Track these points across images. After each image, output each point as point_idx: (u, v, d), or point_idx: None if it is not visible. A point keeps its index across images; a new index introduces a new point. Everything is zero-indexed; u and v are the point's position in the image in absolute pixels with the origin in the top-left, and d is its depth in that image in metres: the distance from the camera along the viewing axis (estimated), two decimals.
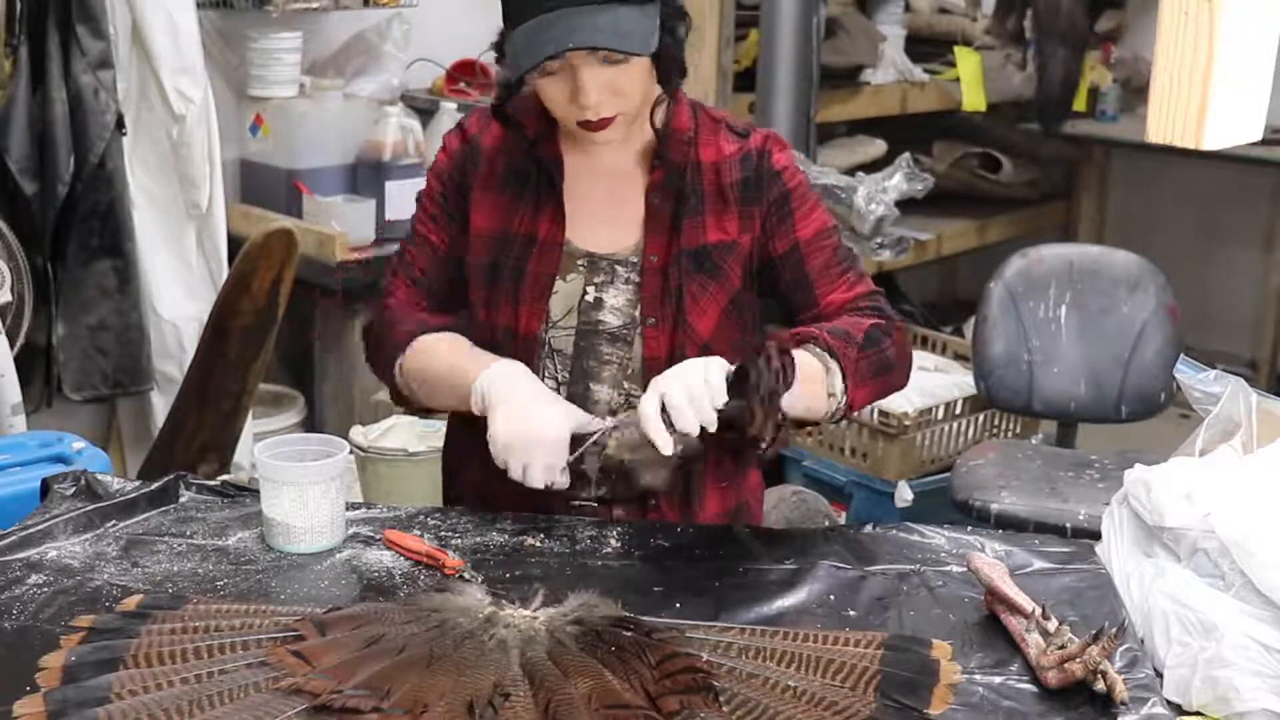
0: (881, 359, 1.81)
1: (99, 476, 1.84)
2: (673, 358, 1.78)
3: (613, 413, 1.82)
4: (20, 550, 1.64)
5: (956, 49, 4.79)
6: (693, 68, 4.12)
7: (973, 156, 4.99)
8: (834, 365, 1.75)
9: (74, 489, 1.80)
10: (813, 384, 1.73)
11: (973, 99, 4.76)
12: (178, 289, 3.22)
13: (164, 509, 1.79)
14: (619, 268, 1.84)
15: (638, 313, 1.83)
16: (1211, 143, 1.58)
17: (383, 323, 1.91)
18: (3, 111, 2.90)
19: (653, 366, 1.80)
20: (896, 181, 3.95)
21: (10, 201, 2.94)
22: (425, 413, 1.93)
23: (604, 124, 1.74)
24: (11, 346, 2.85)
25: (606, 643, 1.41)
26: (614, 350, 1.84)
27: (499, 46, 1.77)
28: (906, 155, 4.08)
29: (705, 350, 1.79)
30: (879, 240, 3.93)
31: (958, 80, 4.75)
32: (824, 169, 4.05)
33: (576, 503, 1.86)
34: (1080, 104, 4.99)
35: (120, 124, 3.02)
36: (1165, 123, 1.57)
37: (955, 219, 4.76)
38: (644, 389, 1.67)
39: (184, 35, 3.08)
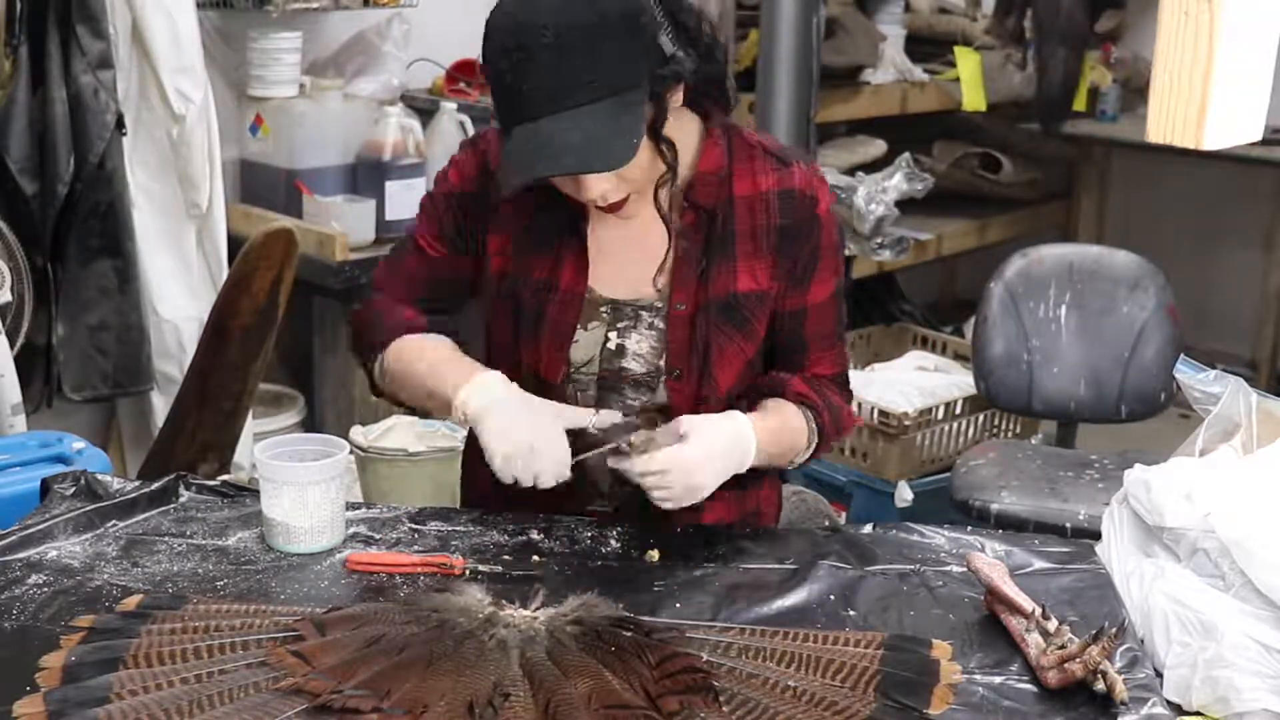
0: (838, 433, 1.88)
1: (99, 476, 1.84)
2: (695, 410, 1.76)
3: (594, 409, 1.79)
4: (20, 550, 1.64)
5: (956, 49, 4.79)
6: None
7: (973, 156, 4.99)
8: (813, 443, 1.82)
9: (74, 489, 1.80)
10: (784, 455, 1.81)
11: (973, 99, 4.76)
12: (178, 289, 3.22)
13: (164, 509, 1.79)
14: (643, 313, 1.79)
15: (663, 362, 1.79)
16: (1211, 143, 1.58)
17: (371, 312, 1.89)
18: (3, 111, 2.90)
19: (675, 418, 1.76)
20: (896, 181, 3.95)
21: (10, 201, 2.94)
22: (397, 404, 1.94)
23: (615, 207, 1.71)
24: (11, 346, 2.85)
25: (606, 643, 1.41)
26: (638, 395, 1.81)
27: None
28: (906, 155, 4.08)
29: (727, 402, 1.80)
30: (879, 240, 3.93)
31: (958, 80, 4.75)
32: (824, 169, 4.05)
33: (592, 508, 1.85)
34: (1080, 104, 4.99)
35: (120, 124, 3.02)
36: (1165, 123, 1.57)
37: (955, 219, 4.76)
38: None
39: (184, 35, 3.08)
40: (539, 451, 1.67)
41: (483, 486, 1.93)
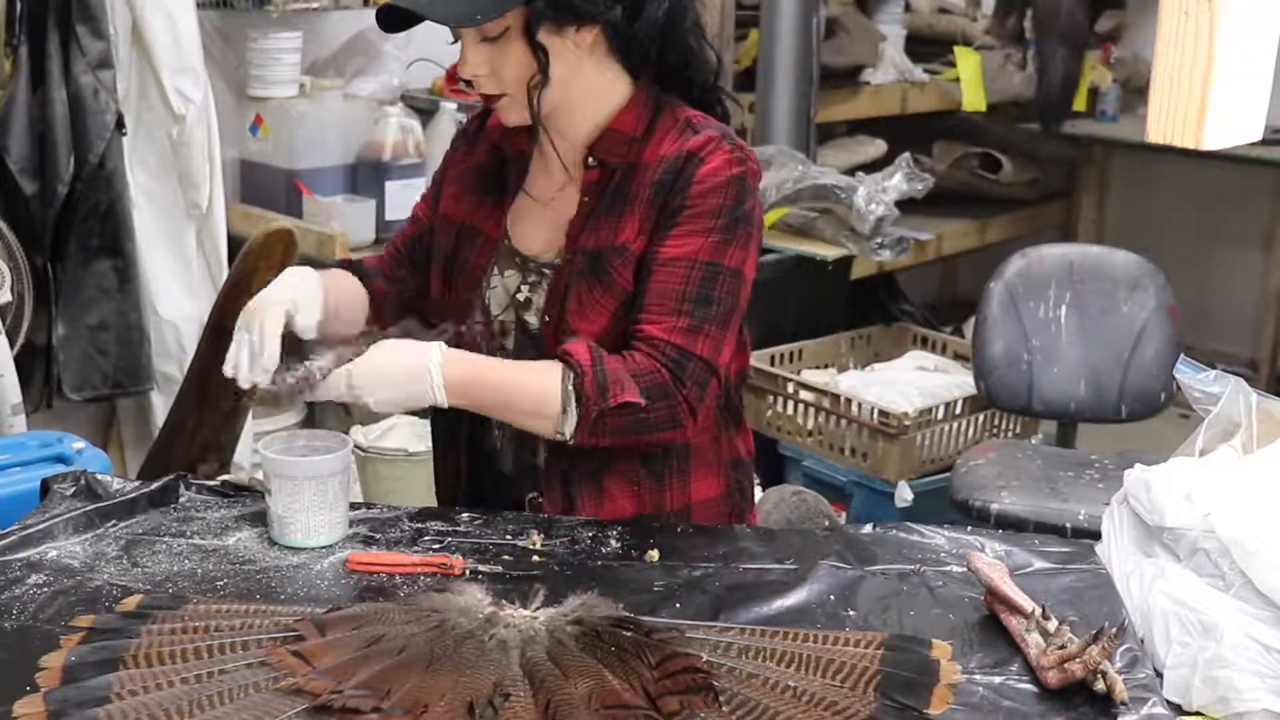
0: (639, 421, 1.72)
1: (99, 476, 1.84)
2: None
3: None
4: (20, 550, 1.64)
5: (956, 49, 4.79)
6: None
7: (973, 156, 4.99)
8: (572, 410, 1.71)
9: (74, 489, 1.80)
10: (517, 411, 1.76)
11: (973, 99, 4.76)
12: (178, 289, 3.22)
13: (164, 509, 1.79)
14: (546, 270, 1.84)
15: None
16: (1211, 143, 1.58)
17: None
18: (3, 111, 2.90)
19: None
20: (896, 181, 3.95)
21: (10, 201, 2.94)
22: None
23: (490, 100, 1.79)
24: (11, 346, 2.85)
25: (606, 643, 1.41)
26: (537, 351, 1.82)
27: None
28: (906, 155, 4.08)
29: None
30: (879, 240, 3.93)
31: (958, 80, 4.75)
32: (824, 169, 4.05)
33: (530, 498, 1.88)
34: (1080, 104, 5.00)
35: (120, 124, 3.02)
36: (1165, 123, 1.57)
37: (955, 219, 4.76)
38: None
39: (184, 35, 3.08)
40: (258, 336, 1.73)
41: (444, 492, 1.97)
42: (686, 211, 1.74)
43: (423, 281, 1.95)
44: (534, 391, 1.73)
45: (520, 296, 1.84)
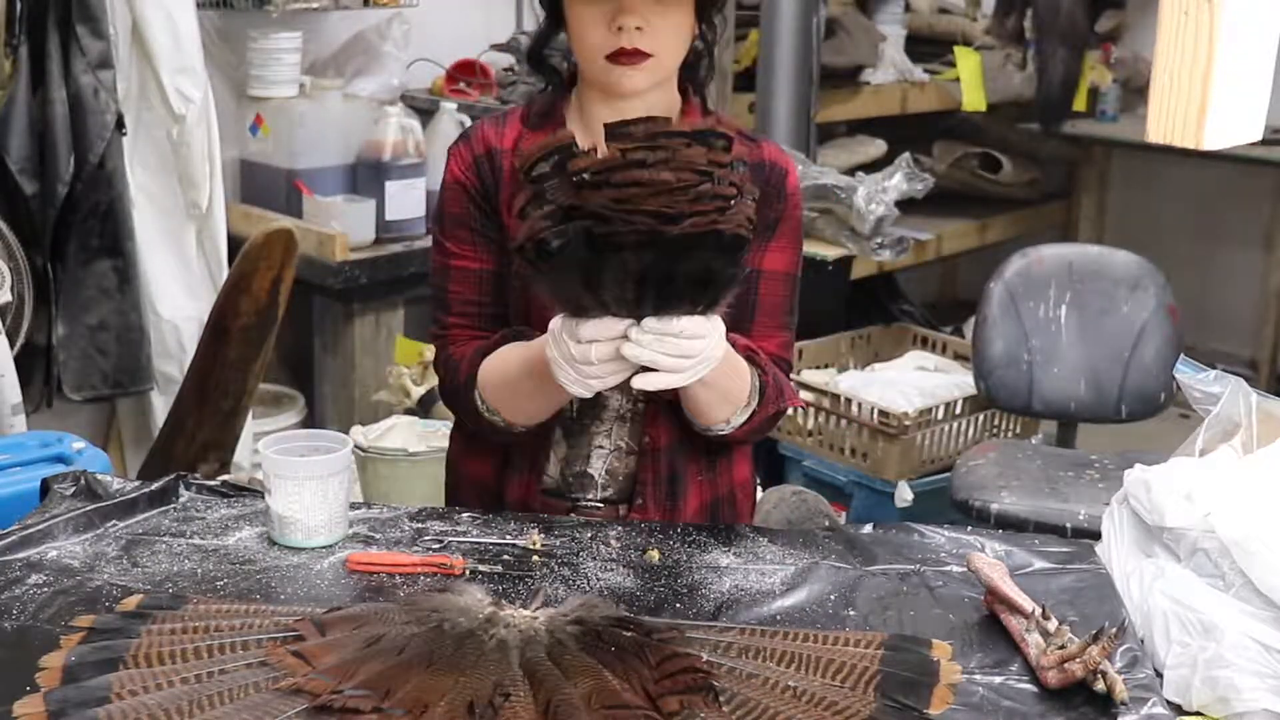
0: (773, 423, 1.85)
1: (99, 476, 1.84)
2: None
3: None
4: (20, 550, 1.64)
5: (956, 49, 4.79)
6: None
7: (973, 156, 4.99)
8: (752, 402, 1.75)
9: (74, 489, 1.80)
10: (729, 392, 1.73)
11: (973, 99, 4.76)
12: (178, 289, 3.22)
13: (164, 509, 1.79)
14: None
15: None
16: (1211, 143, 1.58)
17: (449, 371, 1.82)
18: (3, 111, 2.90)
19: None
20: (896, 181, 3.95)
21: (10, 201, 2.94)
22: (510, 432, 1.81)
23: (637, 58, 1.69)
24: (11, 346, 2.85)
25: (606, 643, 1.41)
26: None
27: None
28: (906, 155, 4.08)
29: None
30: (879, 240, 3.93)
31: (958, 80, 4.75)
32: (824, 169, 4.05)
33: (583, 504, 1.86)
34: (1080, 104, 4.99)
35: (120, 124, 3.02)
36: (1165, 123, 1.57)
37: (955, 219, 4.76)
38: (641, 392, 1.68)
39: (184, 35, 3.08)
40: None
41: (469, 484, 1.93)
42: (784, 224, 1.83)
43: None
44: (744, 377, 1.74)
45: None
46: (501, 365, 1.75)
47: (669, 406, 1.81)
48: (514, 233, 1.56)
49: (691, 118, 1.81)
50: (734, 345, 1.75)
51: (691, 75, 1.82)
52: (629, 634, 1.42)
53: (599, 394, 1.78)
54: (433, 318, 1.88)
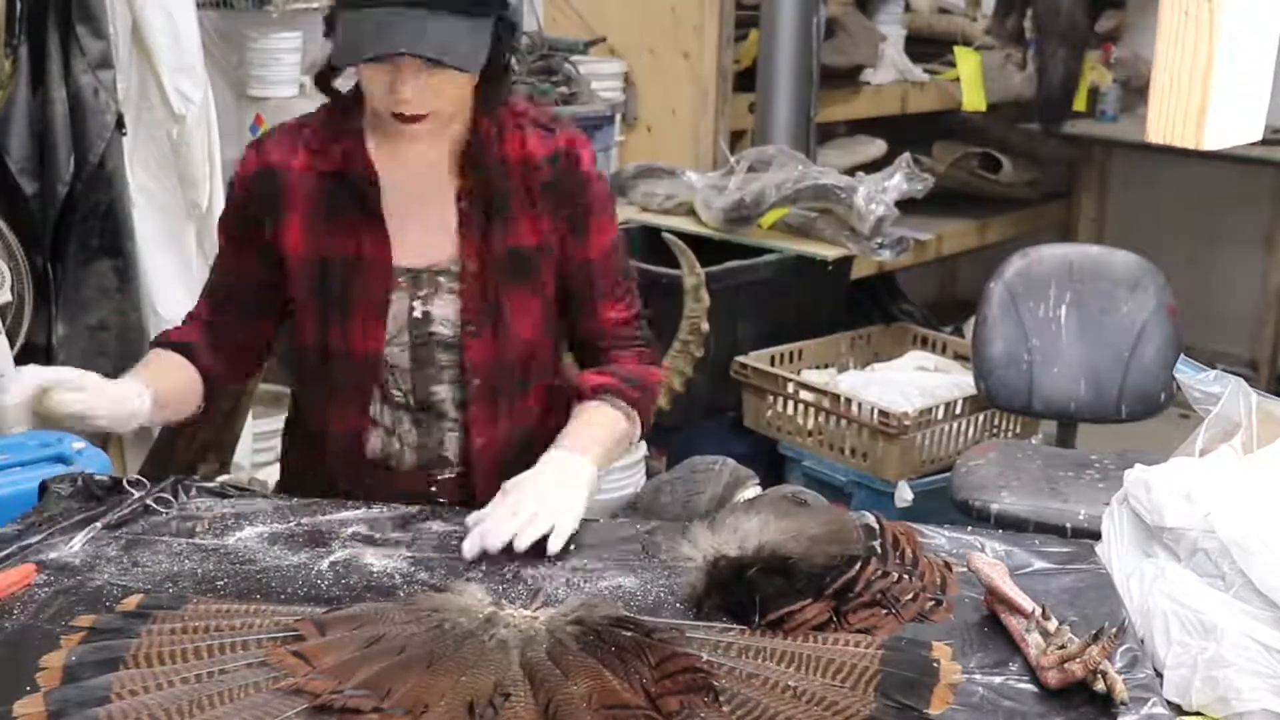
0: (653, 395, 2.00)
1: (98, 477, 1.84)
2: (499, 364, 1.89)
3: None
4: (19, 550, 1.64)
5: (956, 49, 4.79)
6: (693, 67, 4.14)
7: (973, 156, 4.99)
8: (635, 419, 1.93)
9: (71, 490, 1.80)
10: (619, 442, 1.91)
11: (973, 99, 4.76)
12: (178, 289, 3.22)
13: (164, 509, 1.79)
14: (441, 278, 1.88)
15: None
16: (1211, 143, 1.58)
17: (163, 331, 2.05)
18: (3, 111, 2.89)
19: (478, 372, 1.89)
20: (896, 181, 3.94)
21: (10, 201, 2.94)
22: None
23: (416, 118, 1.77)
24: (11, 346, 2.84)
25: (606, 643, 1.40)
26: (450, 356, 1.90)
27: (329, 22, 1.80)
28: (906, 155, 4.08)
29: (528, 354, 1.90)
30: (879, 240, 3.93)
31: (958, 80, 4.76)
32: (824, 169, 4.05)
33: (434, 481, 1.95)
34: (1080, 104, 5.00)
35: (120, 124, 3.02)
36: (1165, 123, 1.57)
37: (955, 219, 4.76)
38: (475, 390, 1.86)
39: (184, 35, 3.08)
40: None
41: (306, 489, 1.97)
42: (593, 208, 1.92)
43: (258, 332, 1.99)
44: (615, 420, 1.91)
45: (417, 313, 1.88)
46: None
47: (498, 404, 1.93)
48: (286, 249, 1.85)
49: (509, 132, 1.86)
50: (581, 390, 1.92)
51: (493, 91, 1.85)
52: (629, 633, 1.42)
53: (430, 394, 1.91)
54: None
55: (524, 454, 1.88)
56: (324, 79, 1.89)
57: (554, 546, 1.66)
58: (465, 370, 1.90)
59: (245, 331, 1.99)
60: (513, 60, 1.85)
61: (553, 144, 1.89)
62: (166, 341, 1.99)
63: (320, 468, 1.97)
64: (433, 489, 1.95)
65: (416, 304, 1.88)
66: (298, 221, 1.88)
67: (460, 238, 1.87)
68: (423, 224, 1.87)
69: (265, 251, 1.91)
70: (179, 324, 2.03)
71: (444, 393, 1.92)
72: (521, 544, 1.65)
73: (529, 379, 1.95)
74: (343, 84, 1.90)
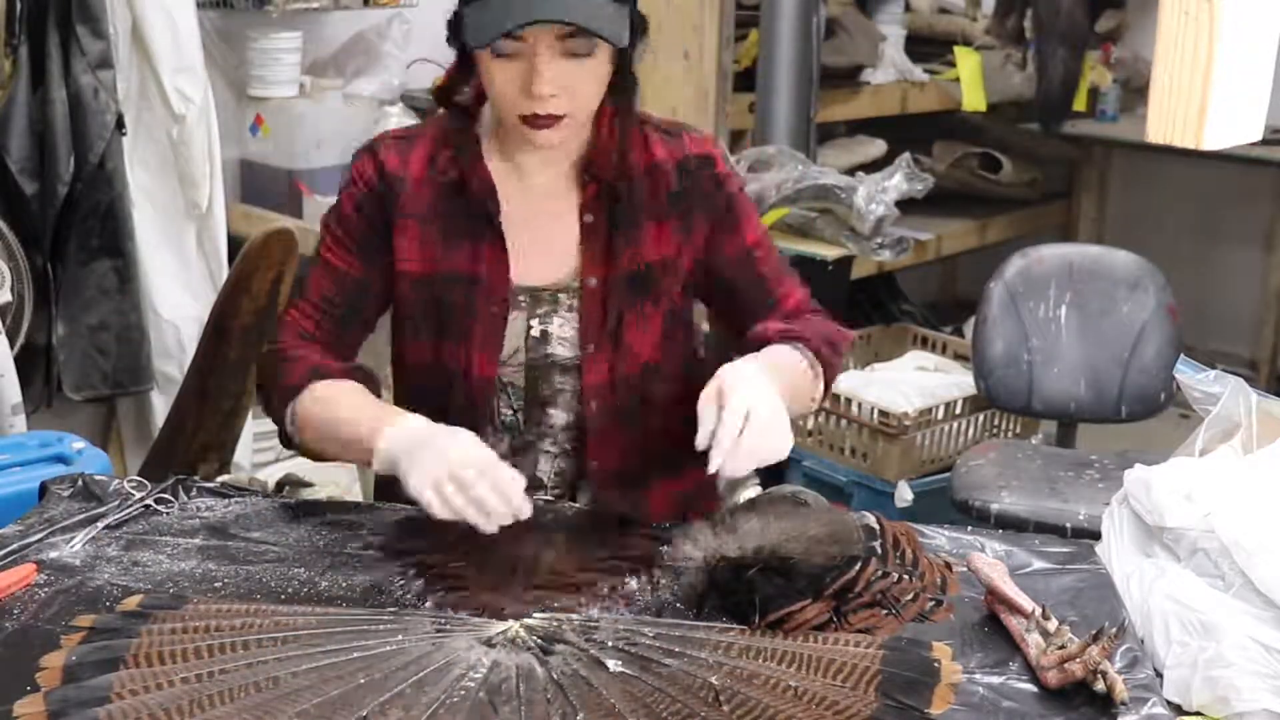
0: (839, 355, 1.87)
1: (98, 478, 1.84)
2: (615, 383, 1.80)
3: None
4: (19, 550, 1.64)
5: (956, 49, 4.79)
6: (693, 67, 4.14)
7: (973, 156, 4.99)
8: (818, 371, 1.80)
9: (71, 490, 1.80)
10: (800, 392, 1.77)
11: (973, 99, 4.76)
12: (178, 289, 3.22)
13: (164, 509, 1.79)
14: (561, 296, 1.80)
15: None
16: (1211, 143, 1.58)
17: (276, 359, 1.80)
18: (3, 111, 2.90)
19: (594, 393, 1.80)
20: (896, 181, 3.95)
21: (10, 201, 2.94)
22: (312, 456, 1.83)
23: (551, 121, 1.67)
24: (11, 346, 2.85)
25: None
26: (567, 378, 1.82)
27: (453, 25, 1.71)
28: (906, 155, 4.08)
29: (648, 371, 1.82)
30: (879, 240, 3.93)
31: (958, 80, 4.76)
32: (824, 169, 4.05)
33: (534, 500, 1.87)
34: (1080, 104, 5.00)
35: (120, 124, 3.02)
36: (1165, 123, 1.58)
37: (955, 219, 4.76)
38: (591, 411, 1.78)
39: (184, 35, 3.08)
40: (492, 469, 1.54)
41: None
42: (737, 205, 1.85)
43: (360, 342, 1.84)
44: (798, 367, 1.77)
45: (535, 333, 1.80)
46: (327, 405, 1.73)
47: (616, 426, 1.83)
48: (400, 262, 1.74)
49: (600, 121, 1.77)
50: (765, 336, 1.78)
51: (623, 97, 1.77)
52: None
53: (544, 415, 1.82)
54: (290, 300, 1.89)
55: (640, 477, 1.83)
56: (446, 93, 1.79)
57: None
58: (582, 392, 1.81)
59: (355, 343, 1.86)
60: (632, 69, 1.75)
61: (680, 149, 1.81)
62: (328, 372, 1.77)
63: None
64: None
65: (534, 323, 1.79)
66: (413, 235, 1.78)
67: (582, 253, 1.78)
68: (544, 241, 1.79)
69: (388, 264, 1.80)
70: (299, 348, 1.80)
71: (559, 418, 1.83)
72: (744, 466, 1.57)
73: (649, 399, 1.84)
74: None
